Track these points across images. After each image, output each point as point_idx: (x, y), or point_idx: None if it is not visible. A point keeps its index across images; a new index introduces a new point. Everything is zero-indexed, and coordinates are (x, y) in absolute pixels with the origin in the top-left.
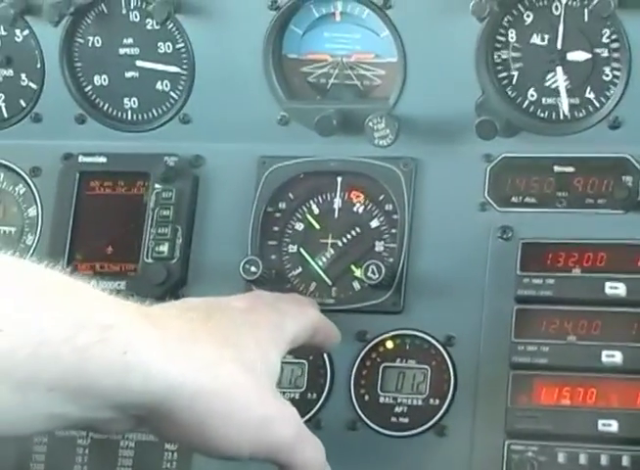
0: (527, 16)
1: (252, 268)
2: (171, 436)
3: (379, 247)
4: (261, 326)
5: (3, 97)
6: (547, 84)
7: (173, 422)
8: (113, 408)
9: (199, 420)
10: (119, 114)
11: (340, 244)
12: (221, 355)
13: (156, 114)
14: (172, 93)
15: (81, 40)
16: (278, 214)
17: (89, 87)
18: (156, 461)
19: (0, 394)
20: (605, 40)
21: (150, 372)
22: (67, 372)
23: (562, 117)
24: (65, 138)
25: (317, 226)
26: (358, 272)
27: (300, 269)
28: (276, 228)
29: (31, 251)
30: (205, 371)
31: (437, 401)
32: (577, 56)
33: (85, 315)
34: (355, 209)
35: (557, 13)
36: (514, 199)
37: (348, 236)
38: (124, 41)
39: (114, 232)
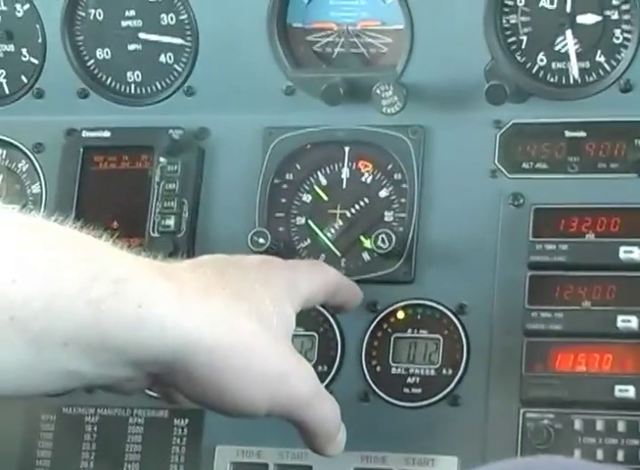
0: None
1: (261, 240)
2: (188, 393)
3: (388, 217)
4: (276, 282)
5: (4, 73)
6: (557, 48)
7: (190, 379)
8: (128, 365)
9: (215, 376)
10: (123, 87)
11: (348, 215)
12: (237, 310)
13: (159, 86)
14: (176, 65)
15: (83, 13)
16: (285, 186)
17: (91, 61)
18: (165, 437)
19: (16, 348)
20: (615, 2)
21: (165, 326)
22: (81, 326)
23: (572, 81)
24: (67, 113)
25: (325, 197)
26: (368, 243)
27: (309, 241)
28: (283, 200)
29: None
30: (222, 325)
31: (450, 371)
32: (587, 19)
33: (99, 268)
34: (364, 179)
35: None
36: (525, 165)
37: (357, 206)
38: (126, 13)
39: (119, 207)
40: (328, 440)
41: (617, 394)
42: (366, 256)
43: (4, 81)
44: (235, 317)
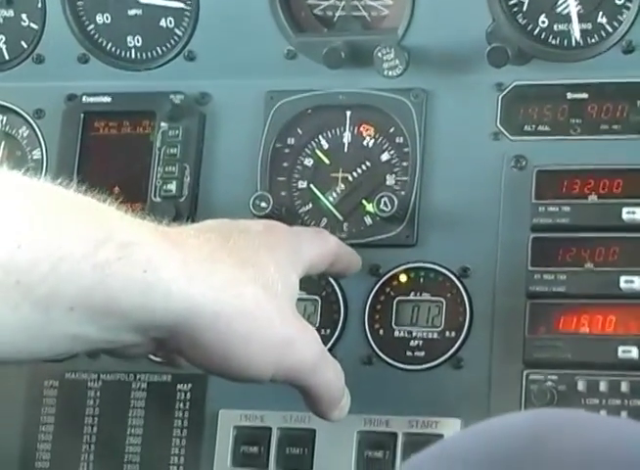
0: None
1: (263, 204)
2: (193, 358)
3: (390, 180)
4: (280, 248)
5: (4, 39)
6: (558, 10)
7: (195, 344)
8: (133, 330)
9: (221, 341)
10: (123, 52)
11: (350, 178)
12: (242, 275)
13: (160, 51)
14: (176, 30)
15: None
16: (287, 150)
17: (91, 26)
18: (168, 402)
19: (22, 311)
20: None
21: (170, 291)
22: (87, 290)
23: (574, 43)
24: (68, 79)
25: (327, 161)
26: (370, 207)
27: (311, 205)
28: (285, 164)
29: None
30: (227, 291)
31: (453, 334)
32: None
33: (104, 232)
34: (365, 142)
35: None
36: (527, 127)
37: (359, 170)
38: None
39: (120, 172)
40: (332, 404)
41: (621, 355)
42: (368, 219)
43: (4, 47)
44: (240, 284)
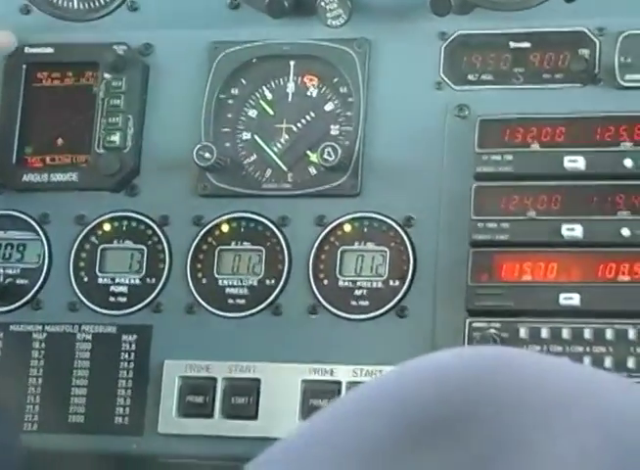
0: None
1: (207, 154)
2: None
3: (334, 130)
4: None
5: None
6: None
7: None
8: None
9: None
10: (65, 3)
11: (294, 129)
12: None
13: (103, 2)
14: None
15: None
16: (231, 101)
17: None
18: (113, 353)
19: None
20: None
21: None
22: None
23: None
24: (10, 30)
25: (271, 112)
26: (314, 157)
27: (255, 156)
28: (229, 115)
29: None
30: None
31: (397, 283)
32: None
33: None
34: (309, 93)
35: None
36: (470, 76)
37: (303, 121)
38: None
39: (63, 124)
40: None
41: (562, 301)
42: (312, 170)
43: None
44: None
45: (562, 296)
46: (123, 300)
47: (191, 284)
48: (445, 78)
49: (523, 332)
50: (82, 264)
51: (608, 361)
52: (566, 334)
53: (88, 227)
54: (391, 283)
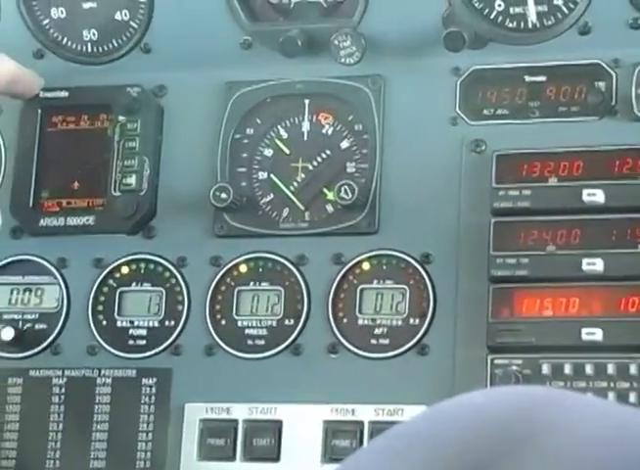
0: None
1: (223, 195)
2: None
3: (350, 168)
4: None
5: None
6: None
7: None
8: None
9: None
10: (79, 46)
11: (310, 167)
12: None
13: (116, 44)
14: (132, 22)
15: None
16: (246, 141)
17: (46, 21)
18: (134, 397)
19: None
20: None
21: None
22: None
23: (530, 25)
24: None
25: (286, 151)
26: (331, 195)
27: (272, 195)
28: (245, 155)
29: None
30: None
31: (417, 321)
32: None
33: None
34: (324, 130)
35: None
36: (485, 111)
37: (319, 159)
38: None
39: (79, 167)
40: None
41: (585, 337)
42: (329, 208)
43: None
44: None
45: (584, 331)
46: (142, 342)
47: (210, 326)
48: (461, 114)
49: (545, 368)
50: (101, 308)
51: (632, 396)
52: (589, 369)
53: (106, 270)
54: (411, 321)
